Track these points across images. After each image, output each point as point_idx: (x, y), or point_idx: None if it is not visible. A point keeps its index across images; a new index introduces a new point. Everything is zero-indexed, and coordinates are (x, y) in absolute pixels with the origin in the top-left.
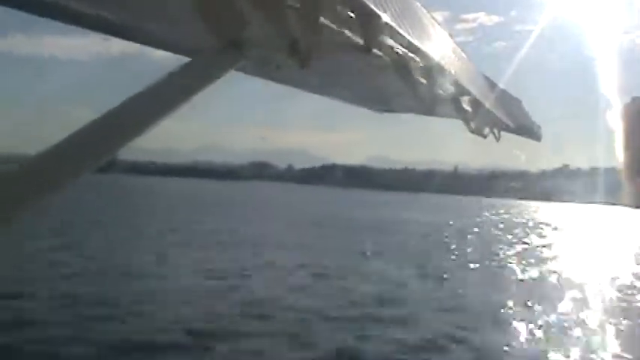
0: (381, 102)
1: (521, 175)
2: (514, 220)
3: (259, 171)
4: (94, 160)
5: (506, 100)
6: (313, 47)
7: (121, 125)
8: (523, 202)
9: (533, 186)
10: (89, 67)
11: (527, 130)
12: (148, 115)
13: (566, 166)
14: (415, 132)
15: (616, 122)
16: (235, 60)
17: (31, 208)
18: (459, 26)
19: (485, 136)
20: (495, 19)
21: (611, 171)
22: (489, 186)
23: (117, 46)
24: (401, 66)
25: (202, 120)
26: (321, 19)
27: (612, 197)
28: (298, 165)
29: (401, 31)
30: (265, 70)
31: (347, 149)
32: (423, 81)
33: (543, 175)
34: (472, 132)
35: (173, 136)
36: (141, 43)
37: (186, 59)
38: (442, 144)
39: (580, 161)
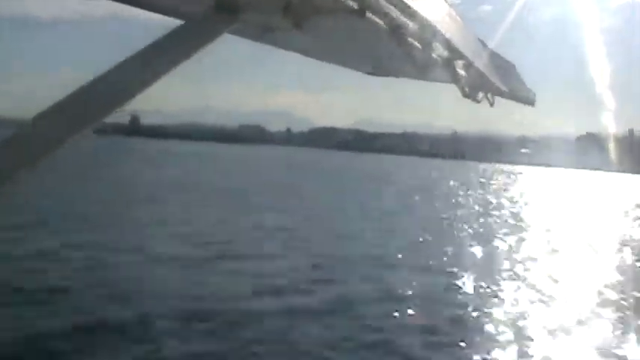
0: (374, 65)
1: (522, 141)
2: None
3: (259, 134)
4: (82, 125)
5: (501, 65)
6: (307, 9)
7: (112, 89)
8: (526, 167)
9: (535, 152)
10: (74, 27)
11: (520, 95)
12: (139, 79)
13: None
14: (408, 94)
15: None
16: (228, 23)
17: (26, 171)
18: None
19: (478, 101)
20: None
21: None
22: (490, 150)
23: (102, 5)
24: (395, 29)
25: (185, 81)
26: None
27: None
28: (289, 128)
29: None
30: (258, 33)
31: (337, 112)
32: (417, 45)
33: (542, 140)
34: (466, 96)
35: (161, 97)
36: (131, 4)
37: (177, 22)
38: (437, 108)
39: (569, 127)
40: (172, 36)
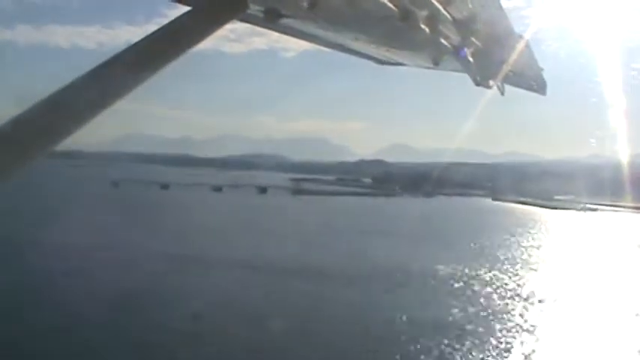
0: (385, 53)
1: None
2: None
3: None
4: (87, 115)
5: (513, 44)
6: None
7: (116, 77)
8: None
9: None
10: (94, 55)
11: (532, 81)
12: (143, 67)
13: None
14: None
15: None
16: (240, 8)
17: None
18: None
19: (490, 87)
20: None
21: None
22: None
23: (124, 34)
24: (406, 14)
25: (215, 109)
26: None
27: None
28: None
29: None
30: (269, 18)
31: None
32: (428, 30)
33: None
34: (477, 85)
35: (188, 125)
36: None
37: (186, 9)
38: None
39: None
40: (179, 21)
